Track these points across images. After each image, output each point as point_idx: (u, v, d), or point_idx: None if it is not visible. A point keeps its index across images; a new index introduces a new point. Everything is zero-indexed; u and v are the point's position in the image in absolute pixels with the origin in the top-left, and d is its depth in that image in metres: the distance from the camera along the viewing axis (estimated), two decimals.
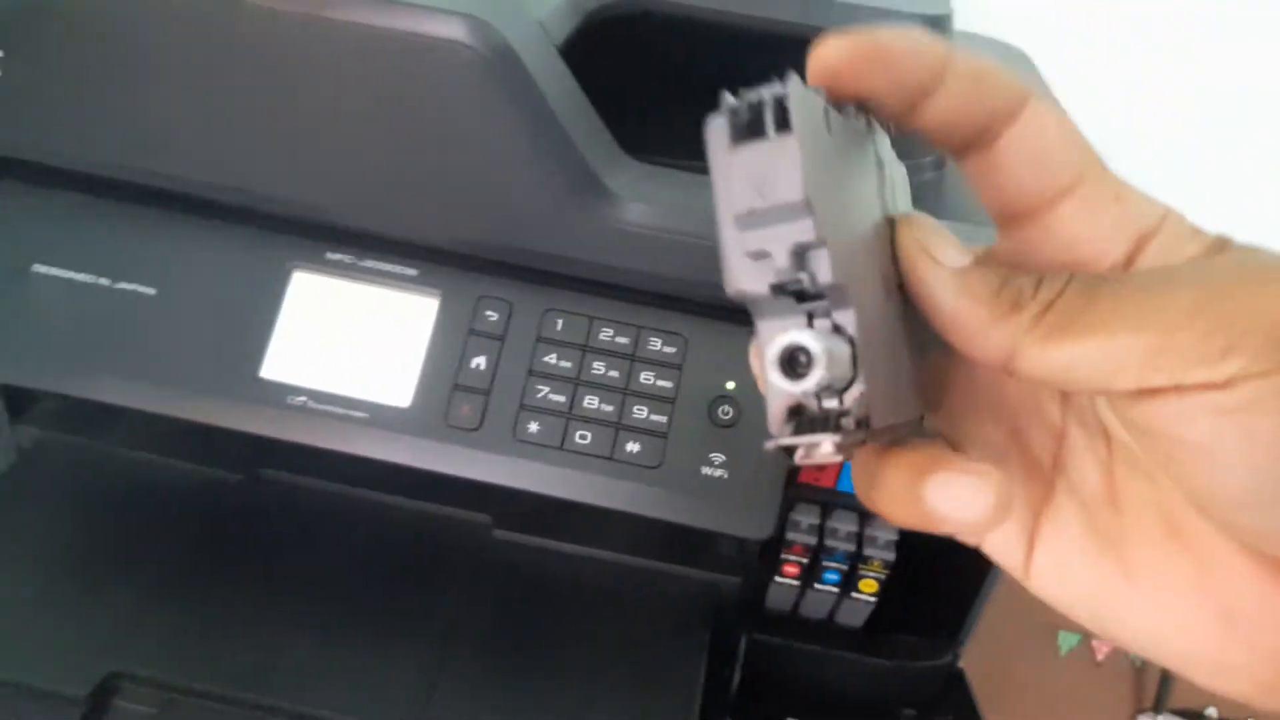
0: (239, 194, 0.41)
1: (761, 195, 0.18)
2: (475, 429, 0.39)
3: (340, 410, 0.40)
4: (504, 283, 0.41)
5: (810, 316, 0.19)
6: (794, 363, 0.18)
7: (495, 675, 0.44)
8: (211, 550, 0.47)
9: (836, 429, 0.18)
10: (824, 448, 0.19)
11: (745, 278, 0.18)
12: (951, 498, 0.20)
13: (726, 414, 0.39)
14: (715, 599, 0.49)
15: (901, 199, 0.23)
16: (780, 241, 0.18)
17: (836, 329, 0.19)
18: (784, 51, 0.51)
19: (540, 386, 0.40)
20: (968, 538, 0.23)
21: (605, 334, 0.40)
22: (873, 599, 0.48)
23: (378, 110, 0.38)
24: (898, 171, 0.23)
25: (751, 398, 0.40)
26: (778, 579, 0.48)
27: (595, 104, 0.40)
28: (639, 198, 0.39)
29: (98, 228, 0.42)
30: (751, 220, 0.18)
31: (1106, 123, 0.65)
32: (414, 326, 0.40)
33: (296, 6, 0.37)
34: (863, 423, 0.19)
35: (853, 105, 0.20)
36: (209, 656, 0.42)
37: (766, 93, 0.17)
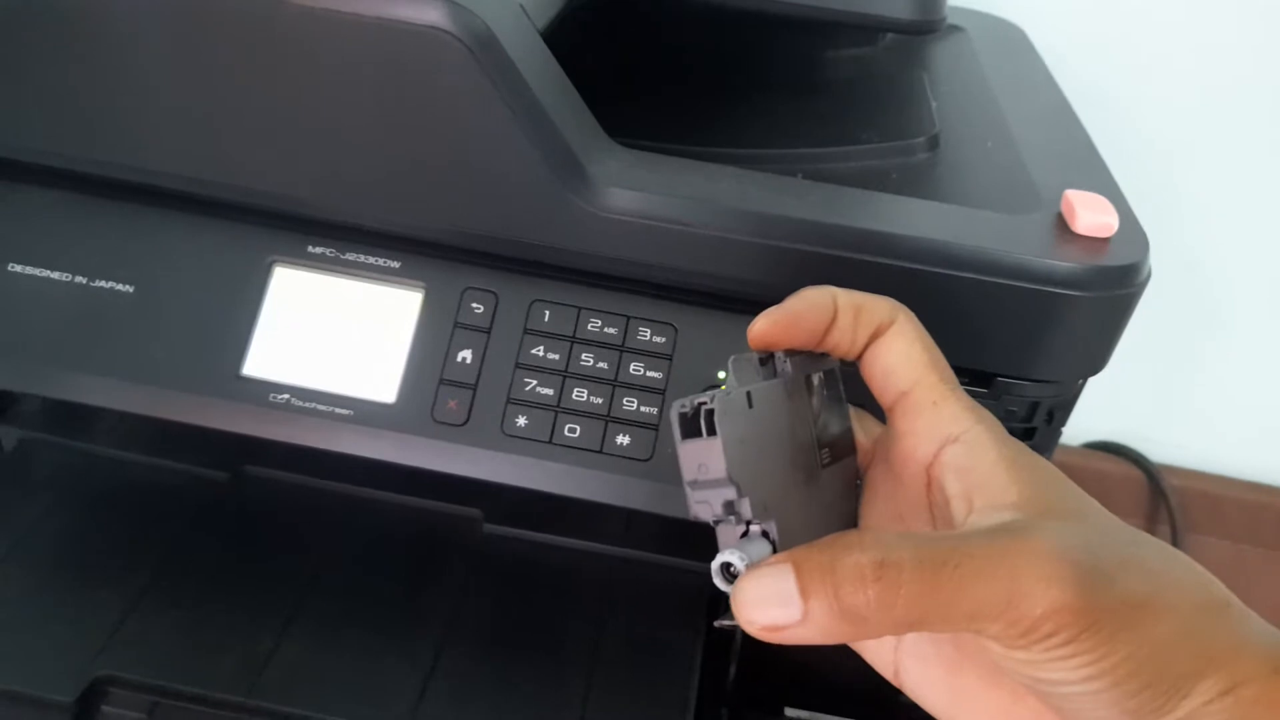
0: (218, 187, 0.40)
1: (700, 472, 0.26)
2: (462, 424, 0.39)
3: (324, 407, 0.39)
4: (489, 274, 0.40)
5: (748, 525, 0.27)
6: (728, 570, 0.25)
7: (488, 670, 0.43)
8: (198, 550, 0.47)
9: None
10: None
11: (698, 511, 0.27)
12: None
13: None
14: (711, 590, 0.48)
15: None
16: (715, 499, 0.26)
17: (764, 533, 0.27)
18: (769, 30, 0.51)
19: (528, 379, 0.39)
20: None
21: (593, 325, 0.40)
22: None
23: (357, 99, 0.37)
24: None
25: None
26: None
27: (581, 88, 0.39)
28: (625, 184, 0.38)
29: (73, 225, 0.41)
30: (696, 486, 0.27)
31: (1101, 96, 0.64)
32: (398, 320, 0.40)
33: None
34: None
35: (781, 353, 0.30)
36: (197, 658, 0.42)
37: (704, 402, 0.26)
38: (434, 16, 0.35)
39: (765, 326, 0.29)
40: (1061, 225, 0.39)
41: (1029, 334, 0.38)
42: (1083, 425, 0.95)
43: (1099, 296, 0.37)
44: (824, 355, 0.32)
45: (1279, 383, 0.90)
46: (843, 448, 0.33)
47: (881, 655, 0.31)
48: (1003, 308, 0.37)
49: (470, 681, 0.43)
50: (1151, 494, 0.92)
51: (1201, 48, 0.74)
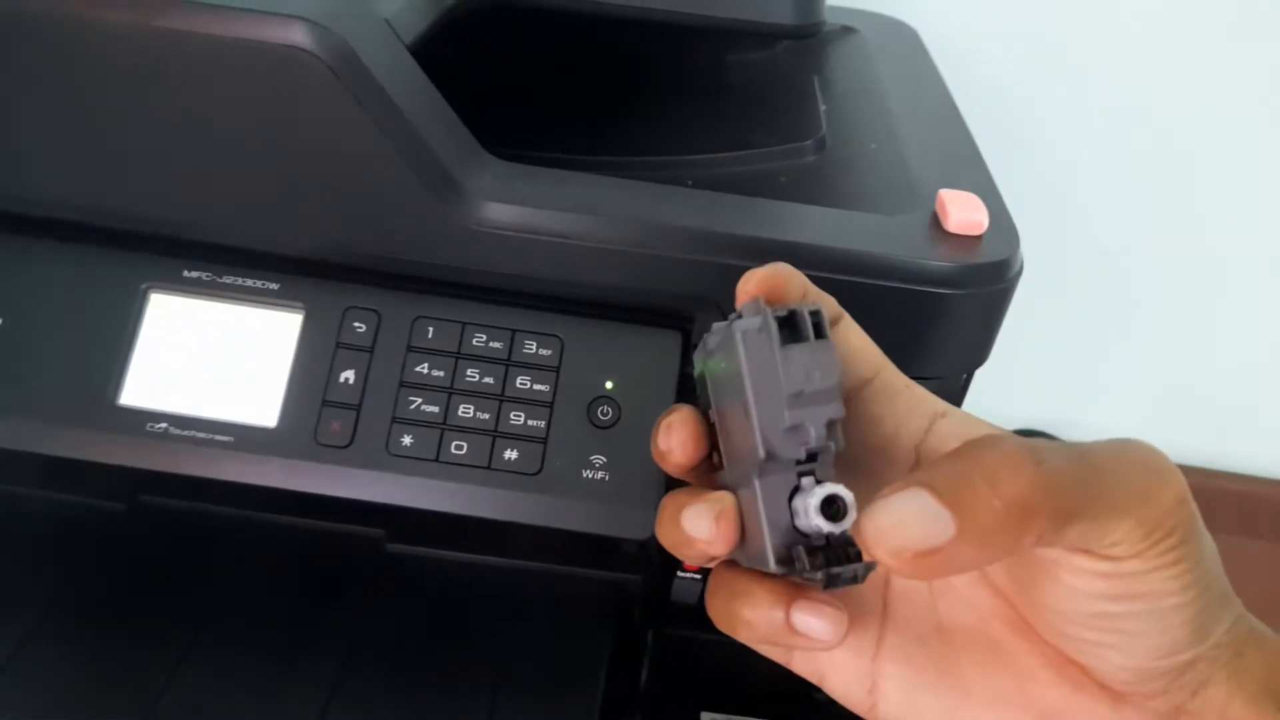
0: (87, 213, 0.39)
1: (808, 382, 0.23)
2: (346, 445, 0.38)
3: (204, 435, 0.38)
4: (371, 292, 0.40)
5: (801, 476, 0.24)
6: (829, 508, 0.23)
7: (392, 691, 0.43)
8: (93, 583, 0.46)
9: (858, 558, 0.24)
10: (859, 574, 0.24)
11: (782, 447, 0.24)
12: (813, 621, 0.25)
13: (606, 415, 0.39)
14: (618, 598, 0.48)
15: None
16: (818, 419, 0.23)
17: (818, 483, 0.24)
18: (647, 37, 0.51)
19: (413, 398, 0.39)
20: (807, 673, 0.29)
21: (478, 339, 0.39)
22: None
23: (224, 120, 0.36)
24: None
25: (630, 398, 0.39)
26: (680, 574, 0.48)
27: (458, 102, 0.39)
28: (501, 198, 0.37)
29: None
30: (799, 402, 0.23)
31: (990, 98, 0.66)
32: (278, 343, 0.39)
33: (127, 16, 0.35)
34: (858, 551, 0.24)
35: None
36: (89, 694, 0.41)
37: (796, 310, 0.24)
38: (294, 36, 0.34)
39: (767, 274, 0.28)
40: (936, 224, 0.40)
41: (908, 332, 0.39)
42: (1006, 413, 0.96)
43: (972, 293, 0.38)
44: None
45: (1200, 367, 0.92)
46: None
47: (857, 671, 0.28)
48: (881, 308, 0.38)
49: (373, 702, 0.42)
50: None
51: (1103, 42, 0.76)
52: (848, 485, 0.26)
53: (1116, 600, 0.24)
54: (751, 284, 0.28)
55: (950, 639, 0.28)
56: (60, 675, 0.42)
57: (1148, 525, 0.23)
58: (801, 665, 0.29)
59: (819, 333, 0.23)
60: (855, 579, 0.24)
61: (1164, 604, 0.24)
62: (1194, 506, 0.24)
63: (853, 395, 0.29)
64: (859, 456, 0.29)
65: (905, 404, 0.28)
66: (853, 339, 0.29)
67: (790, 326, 0.23)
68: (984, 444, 0.23)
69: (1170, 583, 0.24)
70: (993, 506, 0.21)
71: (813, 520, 0.23)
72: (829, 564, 0.24)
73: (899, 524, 0.22)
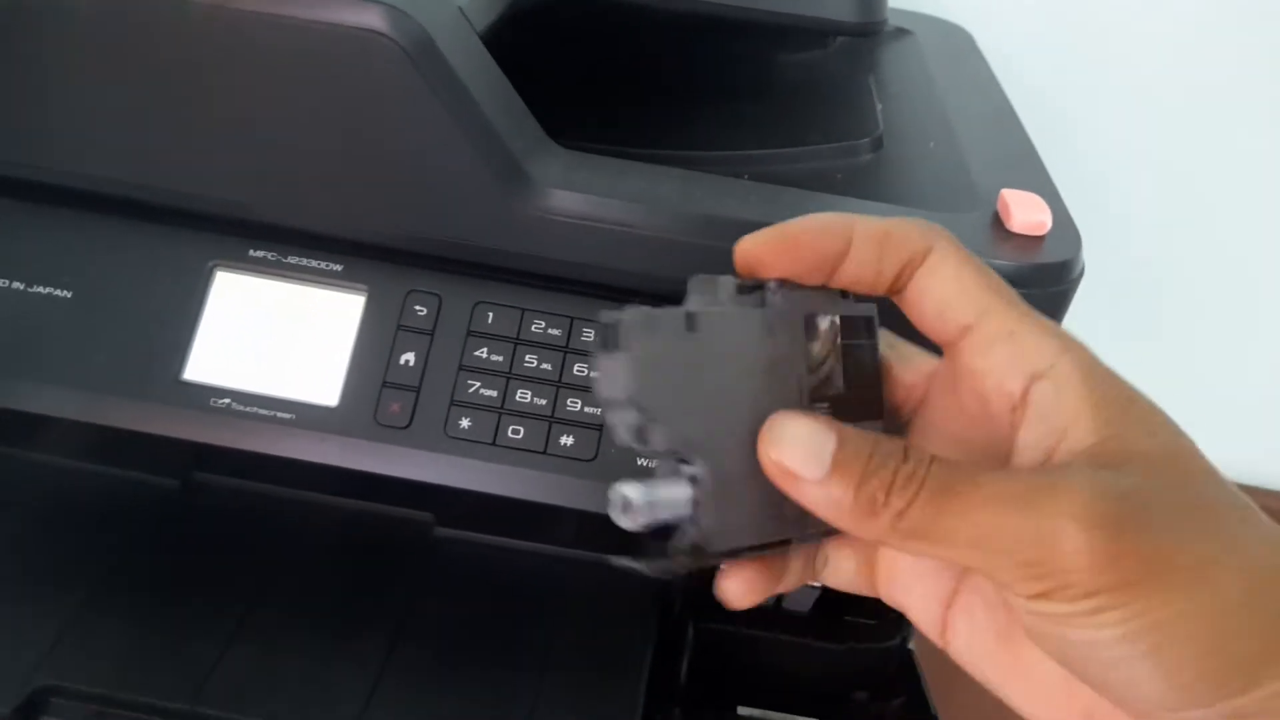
0: (157, 192, 0.40)
1: (609, 389, 0.24)
2: (405, 426, 0.39)
3: (266, 411, 0.39)
4: (433, 276, 0.40)
5: (679, 462, 0.25)
6: (626, 505, 0.24)
7: (437, 674, 0.43)
8: (146, 557, 0.46)
9: (673, 554, 0.25)
10: (665, 565, 0.25)
11: (614, 432, 0.25)
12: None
13: None
14: (661, 588, 0.48)
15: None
16: (622, 422, 0.24)
17: (692, 478, 0.24)
18: (709, 33, 0.51)
19: (471, 381, 0.39)
20: (893, 603, 0.29)
21: (537, 326, 0.40)
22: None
23: (296, 102, 0.37)
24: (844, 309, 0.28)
25: None
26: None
27: (525, 90, 0.40)
28: (565, 186, 0.38)
29: (9, 231, 0.40)
30: (607, 406, 0.24)
31: (1048, 100, 0.65)
32: (340, 323, 0.40)
33: None
34: (697, 549, 0.25)
35: (774, 282, 0.26)
36: (143, 667, 0.41)
37: (612, 318, 0.24)
38: (370, 20, 0.35)
39: (751, 246, 0.25)
40: (997, 224, 0.39)
41: None
42: None
43: (1033, 293, 0.37)
44: (857, 299, 0.27)
45: (1238, 381, 0.91)
46: (857, 408, 0.27)
47: (930, 612, 0.28)
48: None
49: (418, 685, 0.42)
50: None
51: (1146, 50, 0.76)
52: (946, 453, 0.24)
53: (1064, 640, 0.22)
54: (738, 251, 0.26)
55: (1014, 614, 0.26)
56: (111, 649, 0.42)
57: (1037, 571, 0.21)
58: (886, 593, 0.29)
59: (612, 344, 0.24)
60: (670, 572, 0.25)
61: (1111, 654, 0.21)
62: (1132, 554, 0.21)
63: (949, 346, 0.26)
64: (966, 404, 0.26)
65: (1004, 357, 0.24)
66: (944, 280, 0.25)
67: (602, 335, 0.24)
68: (897, 446, 0.23)
69: (1100, 633, 0.21)
70: (849, 491, 0.23)
71: (609, 508, 0.25)
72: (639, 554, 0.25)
73: (790, 440, 0.23)
